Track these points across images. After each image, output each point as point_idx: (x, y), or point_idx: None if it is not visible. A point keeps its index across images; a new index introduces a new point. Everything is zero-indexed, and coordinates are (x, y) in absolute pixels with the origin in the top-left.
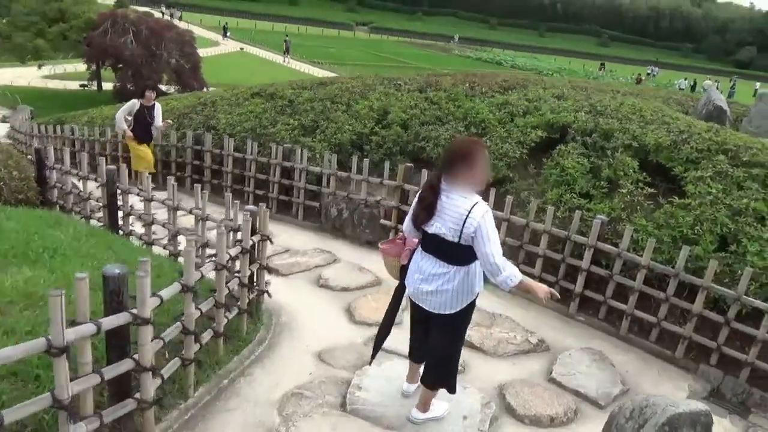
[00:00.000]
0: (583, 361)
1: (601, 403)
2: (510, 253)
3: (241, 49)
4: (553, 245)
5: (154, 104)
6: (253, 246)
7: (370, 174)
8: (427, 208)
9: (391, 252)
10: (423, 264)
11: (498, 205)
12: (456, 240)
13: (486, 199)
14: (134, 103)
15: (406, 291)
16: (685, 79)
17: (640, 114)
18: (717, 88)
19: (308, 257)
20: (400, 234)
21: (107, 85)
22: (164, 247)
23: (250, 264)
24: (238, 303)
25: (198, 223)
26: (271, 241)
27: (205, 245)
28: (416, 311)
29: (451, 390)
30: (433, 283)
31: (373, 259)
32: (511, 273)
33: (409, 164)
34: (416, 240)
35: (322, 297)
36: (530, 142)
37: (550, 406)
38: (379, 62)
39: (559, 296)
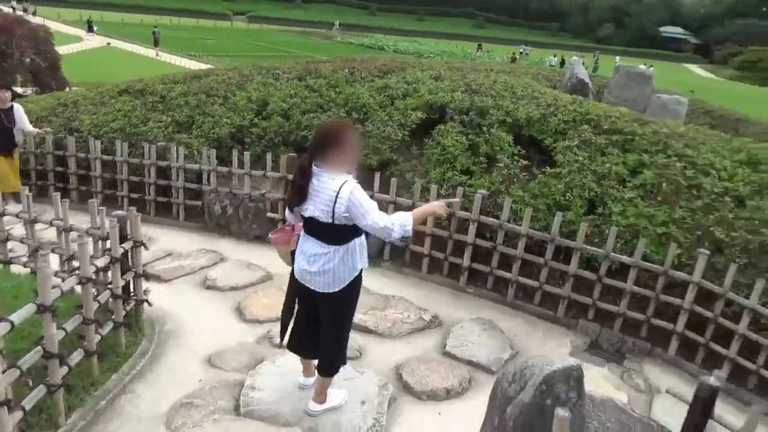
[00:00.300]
0: (474, 332)
1: (493, 369)
2: None
3: (108, 44)
4: (440, 223)
5: (12, 106)
6: (125, 254)
7: (253, 167)
8: (299, 191)
9: (281, 240)
10: (305, 246)
11: (384, 188)
12: (330, 221)
13: (371, 182)
14: None
15: (294, 273)
16: (554, 56)
17: (512, 90)
18: (583, 64)
19: (192, 259)
20: (288, 221)
21: None
22: (24, 265)
23: (124, 273)
24: (113, 316)
25: (61, 234)
26: (146, 247)
27: (71, 258)
28: (304, 294)
29: (341, 364)
30: (315, 264)
31: (263, 255)
32: (401, 222)
33: (291, 154)
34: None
35: (209, 299)
36: (411, 123)
37: (446, 378)
38: (259, 52)
39: (457, 200)
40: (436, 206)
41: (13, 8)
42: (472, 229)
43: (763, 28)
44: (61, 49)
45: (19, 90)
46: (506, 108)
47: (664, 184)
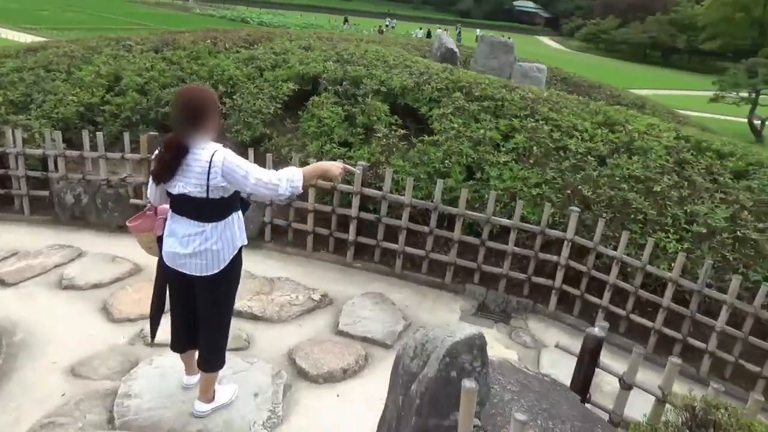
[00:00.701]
0: (366, 306)
1: (388, 342)
2: (281, 212)
3: None
4: (322, 198)
5: None
6: None
7: (109, 149)
8: (167, 166)
9: (143, 227)
10: (175, 227)
11: (259, 165)
12: (204, 195)
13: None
14: None
15: (164, 260)
16: (420, 29)
17: (384, 60)
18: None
19: (43, 257)
20: (149, 205)
21: None
22: None
23: None
24: None
25: None
26: None
27: None
28: (176, 282)
29: (221, 364)
30: (189, 245)
31: (128, 245)
32: (289, 177)
33: (152, 133)
34: (167, 206)
35: (67, 301)
36: (283, 96)
37: (342, 358)
38: (107, 25)
39: (353, 168)
40: (333, 165)
41: None
42: (356, 202)
43: (605, 1)
44: None
45: None
46: (380, 77)
47: (534, 147)
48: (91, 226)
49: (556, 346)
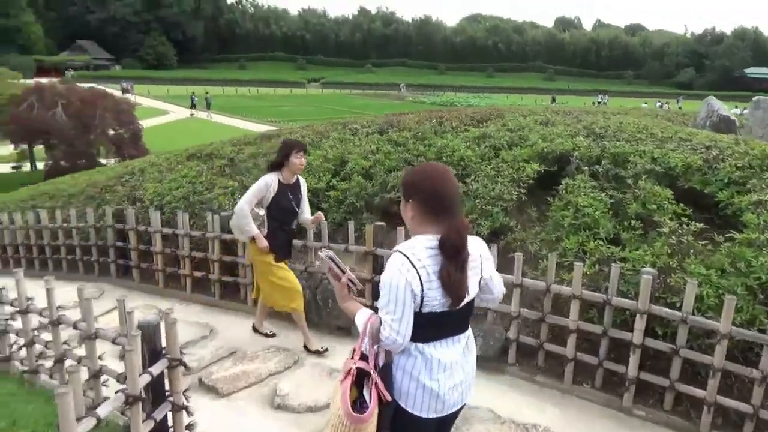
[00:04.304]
0: None
1: None
2: (530, 328)
3: (191, 115)
4: (586, 312)
5: (298, 179)
6: (155, 381)
7: (332, 238)
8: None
9: (371, 415)
10: (448, 355)
11: (505, 265)
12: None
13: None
14: (269, 182)
15: (426, 414)
16: (659, 102)
17: (649, 132)
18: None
19: (259, 362)
20: (351, 367)
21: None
22: (51, 376)
23: (156, 405)
24: None
25: (83, 341)
26: (186, 367)
27: (99, 373)
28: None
29: None
30: (469, 362)
31: (344, 353)
32: None
33: (378, 223)
34: (374, 356)
35: (278, 424)
36: (526, 178)
37: None
38: (334, 115)
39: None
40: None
41: (123, 90)
42: (640, 323)
43: None
44: (147, 122)
45: (102, 161)
46: (651, 154)
47: None
48: (310, 325)
49: None
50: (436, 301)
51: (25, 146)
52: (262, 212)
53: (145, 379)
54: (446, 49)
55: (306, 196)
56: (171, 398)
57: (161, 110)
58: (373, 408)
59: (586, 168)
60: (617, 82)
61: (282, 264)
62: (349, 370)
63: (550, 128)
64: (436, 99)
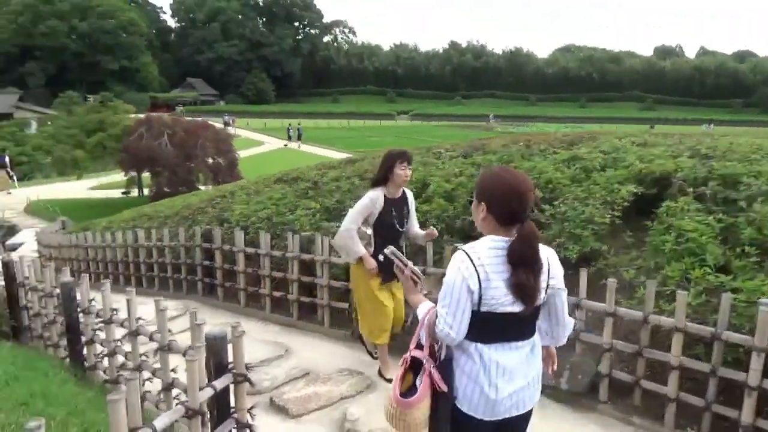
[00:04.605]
0: None
1: None
2: (625, 363)
3: (285, 145)
4: (690, 347)
5: (404, 193)
6: (219, 396)
7: (412, 260)
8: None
9: (419, 401)
10: (508, 359)
11: (596, 292)
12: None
13: (575, 282)
14: (375, 198)
15: (479, 416)
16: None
17: (765, 152)
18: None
19: (331, 384)
20: (406, 359)
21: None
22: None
23: (219, 423)
24: None
25: (157, 353)
26: (251, 383)
27: (171, 386)
28: None
29: None
30: (532, 369)
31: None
32: None
33: (460, 246)
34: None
35: None
36: (621, 201)
37: None
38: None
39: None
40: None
41: (226, 123)
42: (757, 362)
43: None
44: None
45: (201, 187)
46: None
47: None
48: (394, 350)
49: None
50: (494, 300)
51: (134, 173)
52: (369, 231)
53: (208, 392)
54: (537, 80)
55: (414, 209)
56: (235, 415)
57: (257, 141)
58: (421, 395)
59: (691, 189)
60: (722, 111)
61: (385, 288)
62: (405, 359)
63: (648, 149)
64: (525, 129)
